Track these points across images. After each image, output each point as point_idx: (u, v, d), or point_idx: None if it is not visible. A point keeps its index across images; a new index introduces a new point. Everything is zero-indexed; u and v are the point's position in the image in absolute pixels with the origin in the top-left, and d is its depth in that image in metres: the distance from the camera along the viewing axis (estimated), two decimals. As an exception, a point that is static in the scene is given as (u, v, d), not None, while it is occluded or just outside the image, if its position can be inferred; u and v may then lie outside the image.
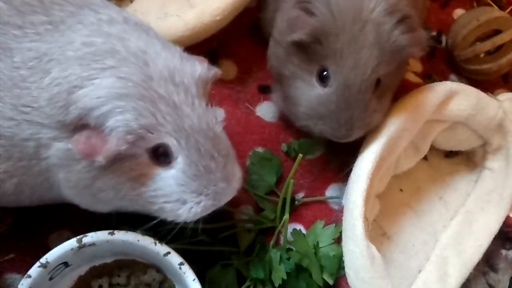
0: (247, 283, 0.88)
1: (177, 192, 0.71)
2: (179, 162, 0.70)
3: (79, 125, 0.67)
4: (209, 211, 0.74)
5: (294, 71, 0.89)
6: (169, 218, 0.74)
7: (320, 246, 0.91)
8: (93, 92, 0.65)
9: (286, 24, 0.88)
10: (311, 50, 0.85)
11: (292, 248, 0.91)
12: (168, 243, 0.80)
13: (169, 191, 0.71)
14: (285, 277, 0.86)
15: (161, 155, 0.70)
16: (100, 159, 0.65)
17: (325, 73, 0.85)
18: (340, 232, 0.90)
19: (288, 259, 0.90)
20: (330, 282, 0.88)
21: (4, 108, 0.69)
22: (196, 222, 0.87)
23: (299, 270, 0.89)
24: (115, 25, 0.71)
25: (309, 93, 0.87)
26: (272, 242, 0.92)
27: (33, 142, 0.69)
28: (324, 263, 0.89)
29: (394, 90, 0.94)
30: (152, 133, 0.67)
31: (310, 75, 0.87)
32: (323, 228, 0.93)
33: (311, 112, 0.87)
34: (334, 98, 0.84)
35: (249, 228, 0.93)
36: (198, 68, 0.71)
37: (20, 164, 0.71)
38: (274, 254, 0.89)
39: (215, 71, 0.74)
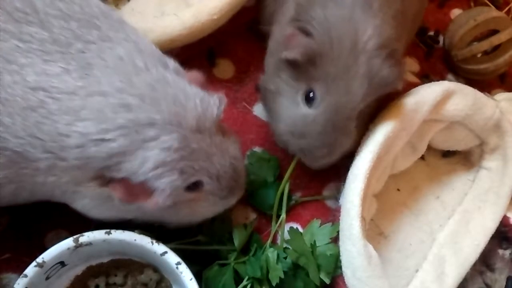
0: (244, 283, 0.87)
1: (208, 210, 0.82)
2: (210, 189, 0.78)
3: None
4: None
5: (280, 86, 0.89)
6: None
7: (317, 245, 0.91)
8: (137, 163, 0.68)
9: (280, 40, 0.88)
10: (301, 69, 0.85)
11: (289, 247, 0.91)
12: (165, 243, 0.80)
13: (201, 212, 0.81)
14: (282, 276, 0.86)
15: (191, 185, 0.75)
16: (146, 206, 0.71)
17: (311, 94, 0.85)
18: (338, 232, 0.90)
19: (285, 258, 0.90)
20: (327, 281, 0.88)
21: (14, 126, 0.68)
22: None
23: (296, 269, 0.89)
24: (141, 74, 0.72)
25: (293, 111, 0.87)
26: (269, 241, 0.92)
27: (47, 162, 0.69)
28: (321, 262, 0.89)
29: (368, 119, 0.94)
30: (189, 179, 0.74)
31: (295, 93, 0.87)
32: (319, 227, 0.94)
33: (293, 130, 0.87)
34: (321, 120, 0.84)
35: (245, 223, 0.94)
36: (214, 109, 0.76)
37: (23, 171, 0.71)
38: (271, 253, 0.89)
39: (224, 103, 0.78)
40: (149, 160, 0.68)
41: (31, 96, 0.68)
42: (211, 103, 0.76)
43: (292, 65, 0.86)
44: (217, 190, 0.79)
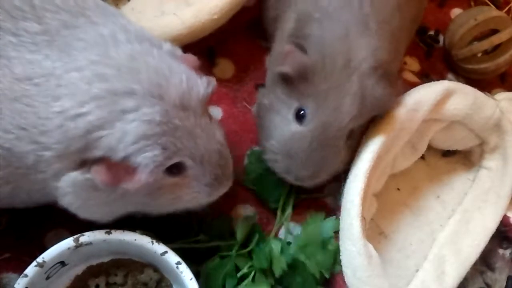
0: (245, 270, 0.87)
1: (193, 198, 0.78)
2: (193, 173, 0.75)
3: (97, 159, 0.67)
4: None
5: (273, 102, 0.88)
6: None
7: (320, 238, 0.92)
8: (117, 136, 0.66)
9: (278, 55, 0.88)
10: (294, 85, 0.85)
11: (291, 242, 0.92)
12: (166, 243, 0.80)
13: (185, 199, 0.77)
14: (285, 268, 0.87)
15: (173, 168, 0.73)
16: (128, 187, 0.68)
17: (302, 112, 0.85)
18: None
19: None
20: (327, 275, 0.89)
21: (3, 120, 0.67)
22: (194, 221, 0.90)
23: (296, 264, 0.90)
24: (120, 46, 0.71)
25: (284, 128, 0.86)
26: (273, 233, 0.93)
27: (33, 156, 0.69)
28: (323, 256, 0.90)
29: (359, 139, 0.93)
30: (171, 158, 0.71)
31: (287, 109, 0.86)
32: (323, 220, 0.94)
33: (281, 147, 0.86)
34: (308, 138, 0.83)
35: (247, 216, 0.95)
36: (201, 88, 0.74)
37: (18, 172, 0.71)
38: (276, 245, 0.89)
39: (213, 85, 0.77)
40: (129, 133, 0.66)
41: (17, 87, 0.67)
42: (198, 83, 0.74)
43: (286, 81, 0.86)
44: (201, 176, 0.76)
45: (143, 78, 0.68)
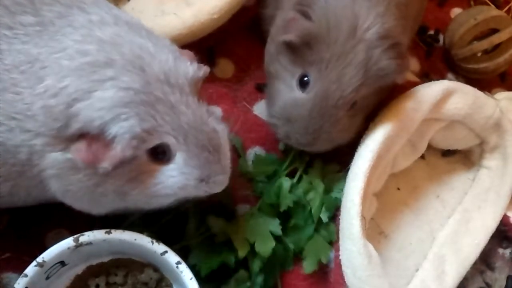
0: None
1: (180, 183, 0.73)
2: (179, 157, 0.72)
3: (77, 135, 0.67)
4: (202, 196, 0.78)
5: (279, 70, 0.89)
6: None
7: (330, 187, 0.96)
8: (95, 105, 0.66)
9: (282, 23, 0.88)
10: (298, 53, 0.85)
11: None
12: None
13: (173, 184, 0.73)
14: (291, 205, 0.90)
15: (159, 153, 0.71)
16: (106, 165, 0.67)
17: (305, 78, 0.85)
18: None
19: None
20: (325, 219, 0.92)
21: None
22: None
23: (299, 204, 0.93)
24: (106, 28, 0.71)
25: (287, 94, 0.88)
26: (284, 170, 0.96)
27: (26, 148, 0.69)
28: (325, 201, 0.93)
29: (368, 112, 0.93)
30: (152, 135, 0.69)
31: (291, 77, 0.87)
32: (334, 172, 0.97)
33: (283, 112, 0.87)
34: (309, 105, 0.84)
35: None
36: (190, 68, 0.73)
37: (14, 169, 0.71)
38: (286, 182, 0.92)
39: (205, 70, 0.76)
40: (106, 100, 0.65)
41: (6, 77, 0.68)
42: (188, 64, 0.73)
43: (291, 49, 0.86)
44: (188, 157, 0.72)
45: (125, 50, 0.68)
